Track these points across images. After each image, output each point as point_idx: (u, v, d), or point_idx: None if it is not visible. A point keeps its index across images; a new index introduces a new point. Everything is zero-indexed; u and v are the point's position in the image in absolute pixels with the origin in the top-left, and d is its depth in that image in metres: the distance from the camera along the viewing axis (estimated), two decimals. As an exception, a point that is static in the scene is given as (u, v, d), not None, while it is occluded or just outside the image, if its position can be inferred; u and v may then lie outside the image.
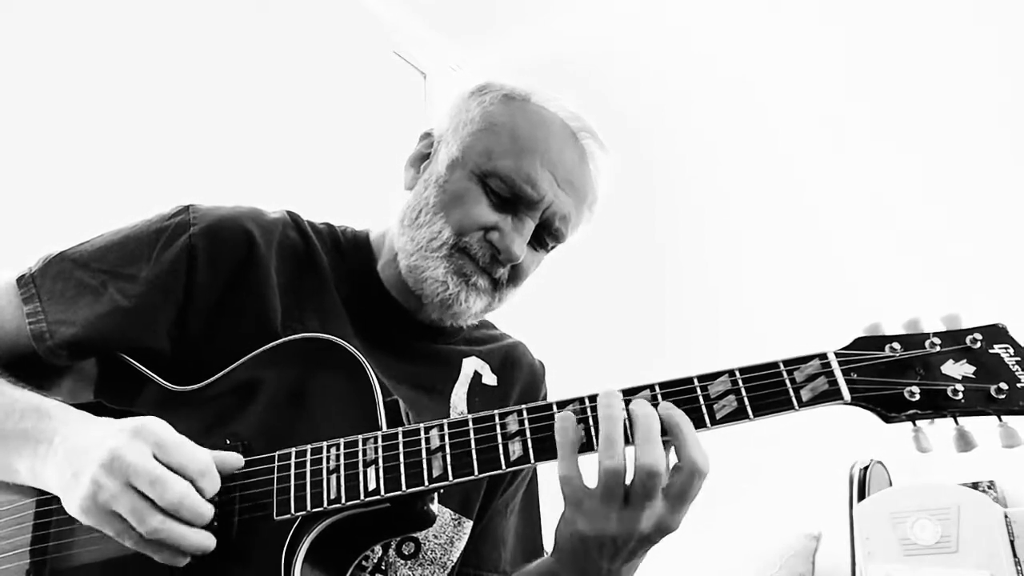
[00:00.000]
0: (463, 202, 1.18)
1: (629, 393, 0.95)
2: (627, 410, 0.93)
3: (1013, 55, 2.96)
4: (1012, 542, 2.23)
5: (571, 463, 0.93)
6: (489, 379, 1.36)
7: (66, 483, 0.93)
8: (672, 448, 0.92)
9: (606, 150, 1.26)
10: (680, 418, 0.92)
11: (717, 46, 3.64)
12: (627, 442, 0.91)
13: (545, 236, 1.24)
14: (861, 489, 2.56)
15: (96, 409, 1.08)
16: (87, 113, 2.71)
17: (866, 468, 2.62)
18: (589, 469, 0.93)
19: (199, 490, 0.92)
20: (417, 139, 1.33)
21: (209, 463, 0.94)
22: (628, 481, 0.91)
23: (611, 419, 0.92)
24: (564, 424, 0.93)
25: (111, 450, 0.89)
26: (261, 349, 1.09)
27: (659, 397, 0.94)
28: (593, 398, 0.95)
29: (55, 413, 1.00)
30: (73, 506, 0.92)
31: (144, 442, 0.91)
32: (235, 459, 0.99)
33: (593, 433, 0.94)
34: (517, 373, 1.39)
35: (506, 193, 1.17)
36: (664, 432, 0.91)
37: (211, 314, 1.15)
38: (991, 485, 2.62)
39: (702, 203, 3.52)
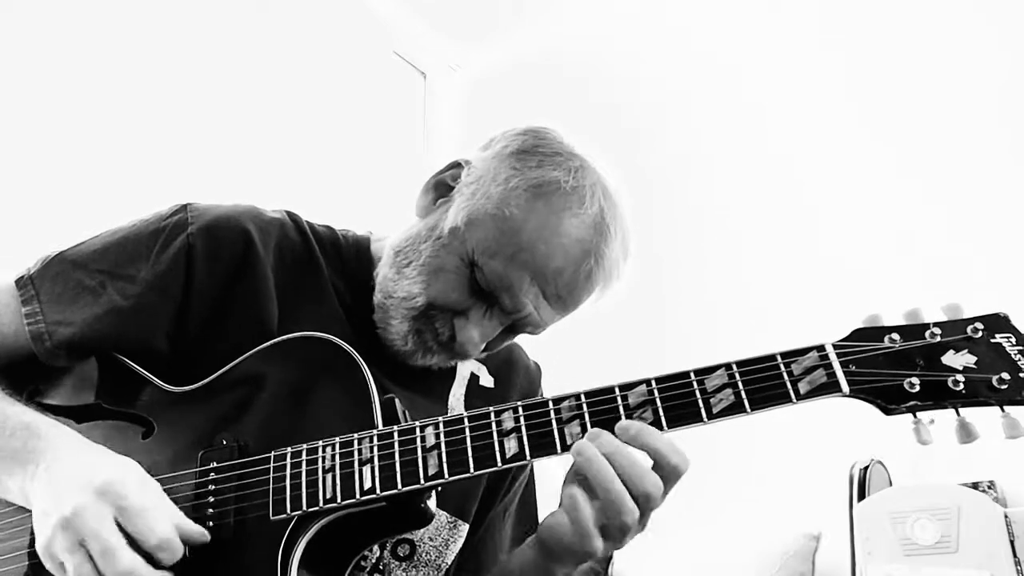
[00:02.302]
0: (445, 279, 1.15)
1: (625, 389, 0.95)
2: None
3: (1011, 51, 2.96)
4: (1012, 542, 2.22)
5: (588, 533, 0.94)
6: (486, 381, 1.36)
7: (37, 519, 0.93)
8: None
9: (625, 256, 1.21)
10: (648, 436, 0.92)
11: (717, 46, 3.64)
12: None
13: (518, 327, 1.21)
14: (861, 489, 2.55)
15: (95, 410, 1.09)
16: (89, 113, 2.71)
17: (866, 468, 2.61)
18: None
19: (156, 561, 0.90)
20: (445, 164, 1.25)
21: (169, 536, 0.91)
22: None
23: (607, 478, 0.91)
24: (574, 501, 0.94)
25: (74, 507, 0.88)
26: (257, 348, 1.09)
27: (655, 392, 0.94)
28: (589, 394, 0.95)
29: (44, 432, 0.99)
30: (37, 543, 0.92)
31: (108, 504, 0.89)
32: (200, 534, 0.96)
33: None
34: (514, 375, 1.39)
35: (486, 288, 1.14)
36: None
37: (209, 314, 1.14)
38: (991, 485, 2.61)
39: (701, 199, 3.52)
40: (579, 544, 0.94)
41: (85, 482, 0.91)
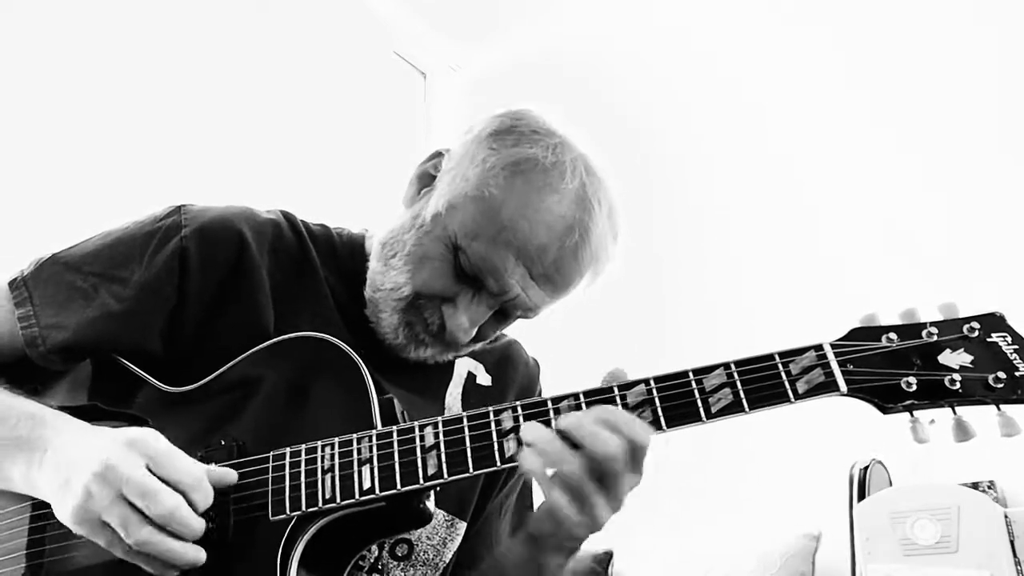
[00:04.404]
0: (430, 267, 1.15)
1: (623, 388, 0.95)
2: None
3: (1011, 52, 2.97)
4: (1012, 542, 2.22)
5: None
6: (483, 379, 1.35)
7: (58, 491, 0.92)
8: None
9: (614, 234, 1.19)
10: (610, 414, 0.91)
11: (717, 46, 3.65)
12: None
13: (509, 311, 1.20)
14: (861, 489, 2.56)
15: (91, 411, 1.08)
16: (90, 113, 2.72)
17: (866, 468, 2.61)
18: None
19: (191, 504, 0.91)
20: (428, 154, 1.26)
21: (202, 477, 0.93)
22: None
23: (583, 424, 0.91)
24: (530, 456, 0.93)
25: (104, 461, 0.89)
26: (256, 348, 1.08)
27: (654, 392, 0.94)
28: (588, 393, 0.95)
29: (50, 420, 0.99)
30: (65, 514, 0.91)
31: (138, 454, 0.90)
32: (229, 475, 0.98)
33: None
34: (512, 372, 1.39)
35: (471, 272, 1.13)
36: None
37: (204, 317, 1.14)
38: (991, 485, 2.61)
39: (700, 199, 3.52)
40: (574, 511, 0.92)
41: (109, 441, 0.92)
